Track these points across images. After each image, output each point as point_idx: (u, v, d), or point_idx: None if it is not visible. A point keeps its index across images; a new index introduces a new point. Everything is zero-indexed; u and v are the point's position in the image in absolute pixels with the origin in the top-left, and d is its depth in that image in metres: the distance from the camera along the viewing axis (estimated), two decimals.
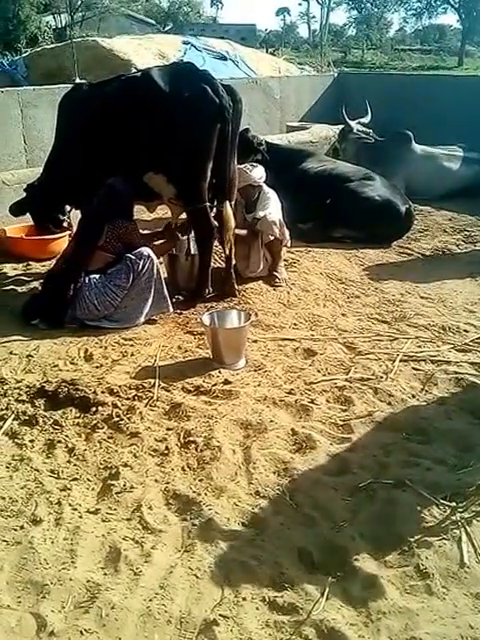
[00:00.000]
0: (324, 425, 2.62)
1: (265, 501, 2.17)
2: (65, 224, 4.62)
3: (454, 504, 2.12)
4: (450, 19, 65.30)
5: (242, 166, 4.19)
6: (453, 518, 2.07)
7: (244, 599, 1.79)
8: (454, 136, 6.74)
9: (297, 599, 1.78)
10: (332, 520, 2.08)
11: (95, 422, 2.63)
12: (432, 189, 6.23)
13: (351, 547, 1.96)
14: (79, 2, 35.10)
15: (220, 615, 1.73)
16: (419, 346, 3.34)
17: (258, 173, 4.27)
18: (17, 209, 4.34)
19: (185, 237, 4.12)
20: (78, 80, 6.80)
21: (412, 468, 2.32)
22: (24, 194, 4.34)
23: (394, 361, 3.14)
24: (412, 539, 1.98)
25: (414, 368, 3.08)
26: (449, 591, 1.81)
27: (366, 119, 6.57)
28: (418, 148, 6.46)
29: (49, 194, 4.16)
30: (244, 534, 2.02)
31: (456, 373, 3.04)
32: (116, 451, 2.45)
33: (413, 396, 2.86)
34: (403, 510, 2.10)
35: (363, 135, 6.22)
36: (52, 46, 13.17)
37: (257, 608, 1.76)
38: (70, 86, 4.65)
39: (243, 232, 4.17)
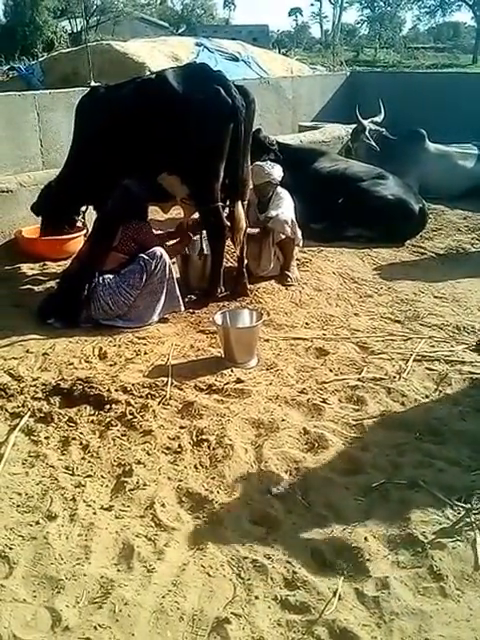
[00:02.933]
0: (336, 425, 2.62)
1: (277, 500, 2.18)
2: (79, 224, 4.67)
3: (468, 506, 2.11)
4: (464, 16, 64.67)
5: (262, 163, 4.22)
6: (467, 520, 2.06)
7: (256, 597, 1.80)
8: (468, 134, 6.69)
9: (309, 598, 1.78)
10: (344, 520, 2.08)
11: (109, 420, 2.66)
12: (446, 188, 6.18)
13: (364, 547, 1.96)
14: (94, 7, 35.52)
15: (232, 613, 1.74)
16: (433, 346, 3.33)
17: (277, 171, 4.29)
18: (38, 208, 4.42)
19: (197, 237, 4.14)
20: (94, 83, 6.84)
21: (425, 469, 2.31)
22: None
23: (407, 361, 3.13)
24: (425, 540, 1.98)
25: (428, 368, 3.07)
26: (463, 593, 1.80)
27: (379, 118, 6.54)
28: (431, 146, 6.42)
29: (65, 194, 4.20)
30: (256, 533, 2.03)
31: (470, 373, 3.02)
32: (129, 448, 2.48)
33: (426, 396, 2.85)
34: (416, 511, 2.10)
35: (372, 143, 6.20)
36: (68, 50, 13.31)
37: (269, 607, 1.77)
38: (86, 89, 4.70)
39: (255, 231, 4.18)
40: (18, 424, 2.62)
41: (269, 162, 4.35)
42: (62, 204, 4.30)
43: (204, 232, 4.07)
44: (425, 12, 45.74)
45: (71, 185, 4.14)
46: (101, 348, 3.32)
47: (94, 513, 2.12)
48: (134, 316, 3.61)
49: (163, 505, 2.15)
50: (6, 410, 2.74)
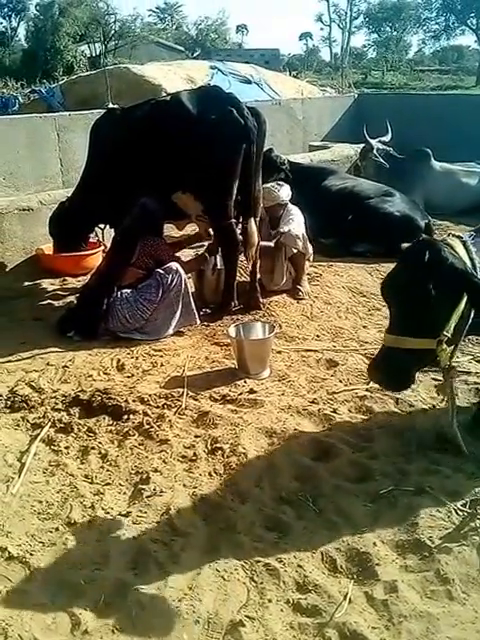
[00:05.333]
0: (346, 434, 2.64)
1: (289, 506, 2.21)
2: (95, 241, 4.75)
3: (474, 511, 2.13)
4: (468, 40, 65.55)
5: (270, 185, 4.29)
6: (472, 525, 2.08)
7: (269, 601, 1.83)
8: (472, 153, 6.77)
9: (320, 602, 1.81)
10: (354, 525, 2.11)
11: (127, 429, 2.71)
12: (451, 204, 6.25)
13: (373, 552, 1.98)
14: (112, 32, 36.42)
15: (246, 616, 1.77)
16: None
17: (285, 192, 4.36)
18: (51, 227, 4.50)
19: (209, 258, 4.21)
20: (111, 105, 7.03)
21: (432, 476, 2.33)
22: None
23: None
24: (432, 545, 2.00)
25: (434, 378, 3.06)
26: (469, 596, 1.82)
27: (386, 138, 6.65)
28: (437, 165, 6.51)
29: (79, 214, 4.27)
30: (269, 538, 2.06)
31: (476, 383, 3.04)
32: (146, 457, 2.52)
33: (433, 406, 2.86)
34: (423, 516, 2.12)
35: (381, 160, 6.30)
36: (87, 74, 13.59)
37: (282, 610, 1.80)
38: (103, 111, 4.84)
39: (268, 244, 4.25)
40: (39, 434, 2.68)
41: (276, 184, 4.40)
42: (75, 223, 4.36)
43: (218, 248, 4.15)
44: (430, 36, 46.32)
45: (85, 205, 4.20)
46: (119, 360, 3.37)
47: (112, 520, 2.16)
48: (151, 329, 3.67)
49: (179, 511, 2.18)
50: (28, 421, 2.80)
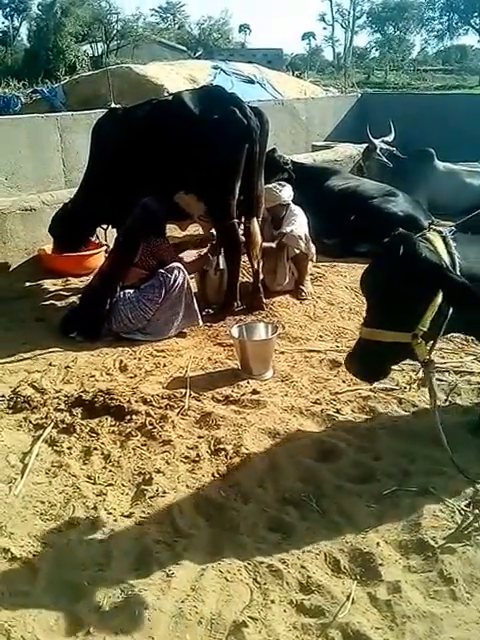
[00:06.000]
0: (349, 434, 2.65)
1: (292, 507, 2.21)
2: (96, 242, 4.75)
3: (477, 511, 2.14)
4: (471, 39, 65.65)
5: (271, 186, 4.28)
6: (476, 525, 2.08)
7: (272, 602, 1.83)
8: (475, 153, 6.76)
9: (323, 602, 1.81)
10: (357, 526, 2.11)
11: (129, 430, 2.71)
12: (454, 204, 6.22)
13: (376, 552, 1.98)
14: (114, 31, 36.47)
15: (249, 617, 1.77)
16: (442, 357, 3.34)
17: (287, 192, 4.36)
18: (53, 228, 4.51)
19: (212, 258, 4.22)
20: (114, 105, 7.04)
21: (435, 476, 2.33)
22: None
23: (417, 372, 3.13)
24: (436, 545, 2.00)
25: (437, 379, 3.05)
26: (473, 596, 1.82)
27: (390, 137, 6.65)
28: (440, 165, 6.51)
29: (81, 214, 4.28)
30: (272, 539, 2.07)
31: (479, 383, 3.04)
32: (149, 458, 2.53)
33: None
34: (427, 517, 2.12)
35: (385, 160, 6.29)
36: (89, 73, 13.65)
37: (285, 610, 1.80)
38: (105, 111, 4.83)
39: (271, 244, 4.26)
40: (42, 435, 2.68)
41: (278, 184, 4.40)
42: (77, 224, 4.36)
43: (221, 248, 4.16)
44: (433, 36, 46.39)
45: (87, 205, 4.20)
46: (122, 361, 3.38)
47: (115, 520, 2.16)
48: (154, 330, 3.67)
49: (181, 512, 2.19)
50: (30, 421, 2.80)
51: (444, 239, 2.18)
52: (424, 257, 2.06)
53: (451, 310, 2.12)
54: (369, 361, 2.24)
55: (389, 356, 2.25)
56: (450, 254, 2.14)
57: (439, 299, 2.07)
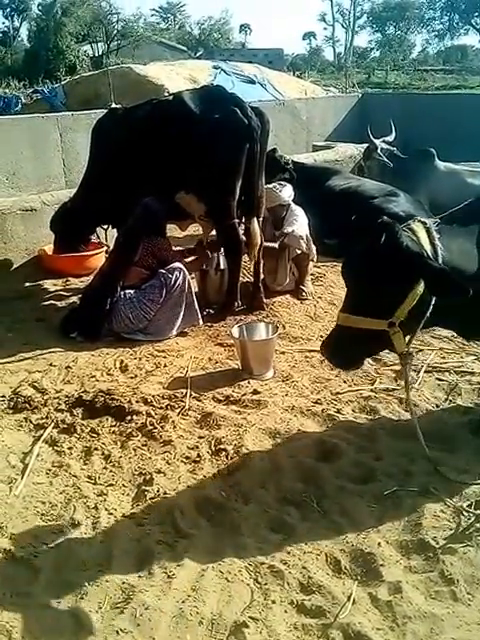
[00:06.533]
0: (350, 434, 2.65)
1: (293, 507, 2.21)
2: (97, 242, 4.75)
3: (478, 512, 2.13)
4: (472, 39, 65.63)
5: (271, 186, 4.28)
6: (477, 525, 2.08)
7: (273, 602, 1.83)
8: (476, 153, 6.76)
9: (324, 603, 1.81)
10: (358, 526, 2.11)
11: (130, 430, 2.71)
12: (455, 204, 6.22)
13: (377, 553, 1.98)
14: (115, 32, 36.49)
15: (250, 617, 1.77)
16: (443, 357, 3.35)
17: (287, 192, 4.37)
18: (54, 227, 4.52)
19: (215, 253, 4.23)
20: (114, 105, 7.04)
21: (436, 476, 2.33)
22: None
23: (418, 372, 3.16)
24: (437, 546, 2.00)
25: (438, 379, 3.09)
26: (474, 597, 1.82)
27: (390, 137, 6.64)
28: (441, 165, 6.49)
29: (80, 214, 4.27)
30: (273, 539, 2.07)
31: (479, 383, 3.04)
32: (150, 458, 2.53)
33: (437, 406, 2.87)
34: (428, 517, 2.12)
35: (385, 160, 6.29)
36: (89, 74, 13.68)
37: (285, 611, 1.81)
38: (106, 111, 4.83)
39: (271, 245, 4.26)
40: (42, 435, 2.69)
41: (278, 184, 4.41)
42: (77, 223, 4.36)
43: (221, 248, 4.15)
44: (434, 36, 46.43)
45: (87, 205, 4.20)
46: (122, 361, 3.38)
47: (116, 521, 2.16)
48: (154, 330, 3.67)
49: (182, 513, 2.19)
50: (31, 421, 2.80)
51: (428, 230, 2.17)
52: (406, 245, 2.05)
53: (433, 302, 2.10)
54: (344, 348, 2.21)
55: (364, 344, 2.21)
56: (433, 245, 2.13)
57: (420, 289, 2.06)
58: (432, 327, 2.69)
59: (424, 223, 2.20)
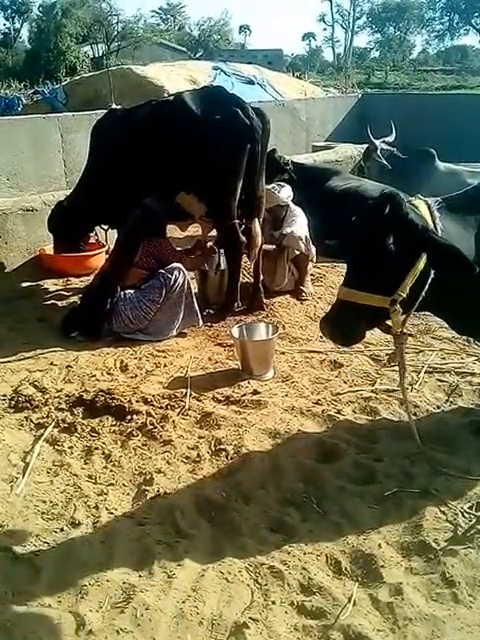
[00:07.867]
0: (350, 435, 2.65)
1: (293, 508, 2.21)
2: (93, 241, 4.75)
3: (479, 513, 2.13)
4: (472, 40, 65.75)
5: (270, 187, 4.28)
6: (478, 527, 2.08)
7: (273, 603, 1.83)
8: (476, 153, 6.77)
9: (325, 604, 1.81)
10: (359, 527, 2.11)
11: (130, 430, 2.71)
12: None
13: (378, 554, 1.98)
14: (115, 33, 36.52)
15: (250, 618, 1.77)
16: (443, 358, 3.35)
17: (285, 193, 4.37)
18: (51, 226, 4.51)
19: (215, 253, 4.23)
20: (114, 106, 7.04)
21: (437, 478, 2.33)
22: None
23: (419, 373, 3.16)
24: (438, 547, 2.00)
25: (439, 379, 3.09)
26: (475, 599, 1.82)
27: (390, 138, 6.64)
28: (441, 165, 6.49)
29: (78, 213, 4.27)
30: (273, 540, 2.07)
31: None
32: (150, 458, 2.53)
33: (438, 407, 2.87)
34: (428, 519, 2.12)
35: (384, 162, 6.29)
36: (90, 74, 13.72)
37: (286, 612, 1.80)
38: (106, 111, 4.83)
39: (271, 247, 4.26)
40: (43, 434, 2.69)
41: (277, 185, 4.40)
42: (74, 223, 4.35)
43: (221, 248, 4.15)
44: (434, 36, 46.50)
45: (84, 204, 4.19)
46: (122, 361, 3.38)
47: (116, 520, 2.16)
48: (154, 330, 3.68)
49: (182, 513, 2.19)
50: (31, 421, 2.81)
51: (429, 207, 2.16)
52: (410, 218, 2.03)
53: (430, 279, 2.07)
54: (343, 323, 2.17)
55: (364, 319, 2.18)
56: (434, 222, 2.12)
57: (421, 264, 2.03)
58: (425, 312, 2.67)
59: (425, 201, 2.19)
